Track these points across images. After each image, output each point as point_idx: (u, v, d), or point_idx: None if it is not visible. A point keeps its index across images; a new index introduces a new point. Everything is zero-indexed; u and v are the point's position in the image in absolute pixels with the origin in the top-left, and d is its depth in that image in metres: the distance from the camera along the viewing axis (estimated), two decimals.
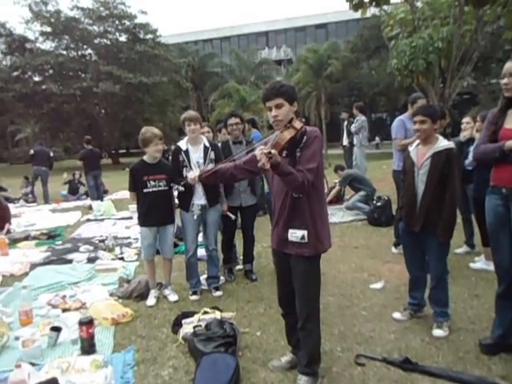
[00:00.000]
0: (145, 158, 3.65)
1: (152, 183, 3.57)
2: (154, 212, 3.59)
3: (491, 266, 3.95)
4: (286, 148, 2.05)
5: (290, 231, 2.23)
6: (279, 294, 2.50)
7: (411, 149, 3.04)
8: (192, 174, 2.48)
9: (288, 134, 2.03)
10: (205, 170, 2.49)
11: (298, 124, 2.08)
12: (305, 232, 2.19)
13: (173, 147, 4.15)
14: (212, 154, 3.65)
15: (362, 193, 6.84)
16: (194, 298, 3.72)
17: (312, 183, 2.09)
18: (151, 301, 3.66)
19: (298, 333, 2.38)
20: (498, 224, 2.53)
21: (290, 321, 2.49)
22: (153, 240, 3.69)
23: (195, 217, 3.65)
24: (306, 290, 2.27)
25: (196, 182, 2.50)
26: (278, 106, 2.14)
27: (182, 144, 3.66)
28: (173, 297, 3.72)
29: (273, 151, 1.91)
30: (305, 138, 2.15)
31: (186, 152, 3.63)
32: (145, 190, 3.58)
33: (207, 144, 3.68)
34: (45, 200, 10.44)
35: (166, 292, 3.79)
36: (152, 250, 3.73)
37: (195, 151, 3.64)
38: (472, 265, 4.15)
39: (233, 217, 3.85)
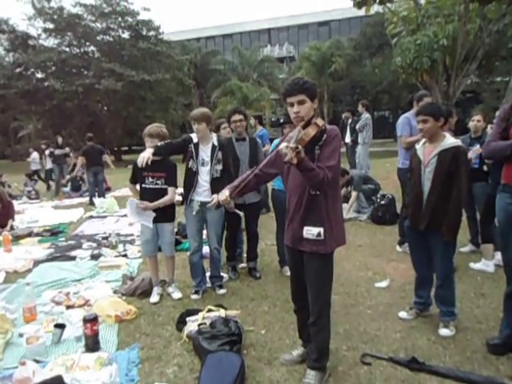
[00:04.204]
0: None
1: (150, 179, 3.58)
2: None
3: (489, 267, 3.95)
4: (308, 145, 2.04)
5: (306, 228, 2.23)
6: (292, 289, 2.52)
7: (418, 147, 3.02)
8: (222, 196, 2.44)
9: (312, 131, 2.03)
10: (233, 187, 2.47)
11: (319, 121, 2.09)
12: (321, 229, 2.20)
13: None
14: (219, 155, 3.60)
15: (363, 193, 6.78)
16: (195, 297, 3.69)
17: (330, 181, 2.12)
18: (154, 298, 3.65)
19: (308, 328, 2.40)
20: (509, 223, 2.50)
21: (301, 317, 2.51)
22: (150, 236, 3.66)
23: (194, 212, 3.63)
24: (318, 286, 2.30)
25: (228, 202, 2.48)
26: (300, 103, 2.15)
27: (194, 136, 3.62)
28: (176, 294, 3.70)
29: (299, 146, 1.93)
30: (325, 135, 2.16)
31: (196, 145, 3.60)
32: (143, 185, 3.62)
33: (216, 143, 3.62)
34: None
35: (170, 289, 3.77)
36: (150, 246, 3.71)
37: (203, 148, 3.60)
38: (472, 265, 4.12)
39: (240, 213, 3.83)
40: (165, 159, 3.62)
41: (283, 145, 1.97)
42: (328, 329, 2.38)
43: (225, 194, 2.44)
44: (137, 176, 3.66)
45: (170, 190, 3.63)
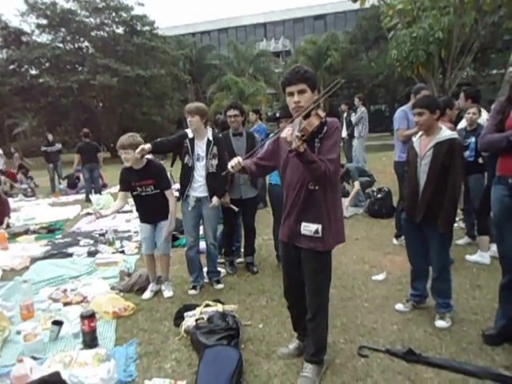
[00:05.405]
0: None
1: (139, 189, 3.56)
2: (146, 212, 3.63)
3: (485, 259, 3.97)
4: (309, 136, 1.94)
5: (303, 224, 2.17)
6: (285, 285, 2.49)
7: (415, 139, 3.03)
8: (233, 161, 2.21)
9: (316, 121, 1.93)
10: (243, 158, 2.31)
11: (321, 113, 1.98)
12: (319, 226, 2.13)
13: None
14: (214, 149, 3.60)
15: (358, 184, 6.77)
16: (192, 292, 3.69)
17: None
18: (147, 294, 3.65)
19: (303, 322, 2.40)
20: (504, 215, 2.51)
21: (295, 312, 2.51)
22: (149, 233, 3.67)
23: (189, 208, 3.64)
24: (316, 283, 2.26)
25: (240, 167, 2.23)
26: (301, 92, 2.06)
27: (189, 132, 3.63)
28: (167, 293, 3.67)
29: (304, 135, 1.86)
30: (325, 128, 2.08)
31: (192, 140, 3.60)
32: (134, 193, 3.60)
33: (211, 138, 3.62)
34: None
35: (162, 287, 3.75)
36: (149, 242, 3.70)
37: (198, 144, 3.61)
38: (468, 257, 4.14)
39: (236, 209, 3.82)
40: (148, 165, 3.55)
41: (288, 132, 1.87)
42: (325, 324, 2.37)
43: (238, 158, 2.24)
44: (125, 187, 3.60)
45: (168, 193, 3.61)
